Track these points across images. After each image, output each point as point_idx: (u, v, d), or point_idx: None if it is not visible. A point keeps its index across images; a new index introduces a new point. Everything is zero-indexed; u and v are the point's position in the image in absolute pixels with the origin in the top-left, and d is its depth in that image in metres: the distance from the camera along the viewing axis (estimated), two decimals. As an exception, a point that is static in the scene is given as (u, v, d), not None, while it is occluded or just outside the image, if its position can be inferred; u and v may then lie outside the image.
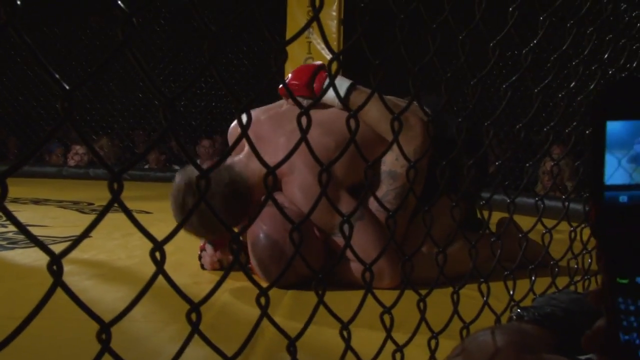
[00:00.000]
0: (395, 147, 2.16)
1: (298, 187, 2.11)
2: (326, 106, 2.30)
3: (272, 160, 2.17)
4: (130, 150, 6.85)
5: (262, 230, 2.03)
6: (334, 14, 5.54)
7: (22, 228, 0.61)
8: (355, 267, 2.06)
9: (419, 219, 2.19)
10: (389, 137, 2.22)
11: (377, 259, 1.14)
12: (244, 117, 0.85)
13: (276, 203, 0.92)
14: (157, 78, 6.95)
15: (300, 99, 2.38)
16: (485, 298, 1.39)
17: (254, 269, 2.07)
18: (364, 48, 1.01)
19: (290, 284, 2.01)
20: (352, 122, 1.01)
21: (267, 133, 2.24)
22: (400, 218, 2.18)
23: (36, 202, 4.22)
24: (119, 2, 0.67)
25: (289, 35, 5.63)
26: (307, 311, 1.01)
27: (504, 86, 1.40)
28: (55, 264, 0.64)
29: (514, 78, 1.43)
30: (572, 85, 1.58)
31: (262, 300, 0.90)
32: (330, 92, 2.32)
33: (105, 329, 0.68)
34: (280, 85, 2.32)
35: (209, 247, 2.29)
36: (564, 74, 1.65)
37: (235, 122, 2.49)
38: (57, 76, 0.62)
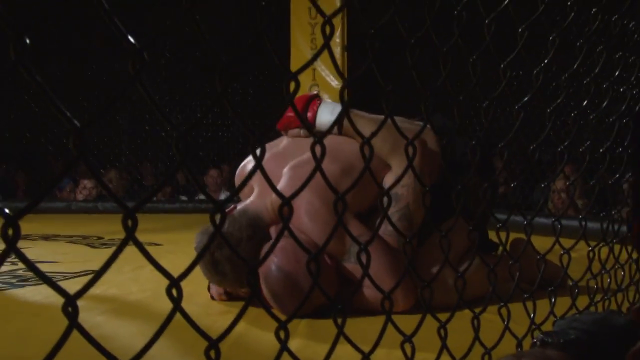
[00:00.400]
0: (395, 168, 2.18)
1: (305, 213, 2.09)
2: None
3: (282, 191, 2.15)
4: (139, 183, 6.86)
5: (273, 262, 2.00)
6: (338, 40, 5.55)
7: (35, 270, 0.60)
8: (368, 293, 2.04)
9: (430, 242, 2.17)
10: (389, 160, 2.22)
11: (395, 287, 1.12)
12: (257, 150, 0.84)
13: (293, 234, 0.90)
14: (166, 109, 6.97)
15: (296, 131, 2.41)
16: (506, 322, 1.37)
17: (266, 299, 2.05)
18: (375, 75, 0.99)
19: (305, 314, 1.98)
20: (366, 149, 0.99)
21: (270, 171, 2.24)
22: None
23: (46, 238, 4.21)
24: (129, 36, 0.66)
25: (293, 60, 5.69)
26: (323, 339, 0.99)
27: (516, 107, 1.39)
28: (70, 305, 0.62)
29: (525, 99, 1.42)
30: (584, 104, 1.57)
31: (282, 333, 0.88)
32: (326, 119, 2.32)
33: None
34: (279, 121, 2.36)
35: None
36: (570, 92, 1.64)
37: (242, 164, 2.52)
38: (68, 114, 0.60)
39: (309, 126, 2.24)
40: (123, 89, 0.68)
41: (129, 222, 0.65)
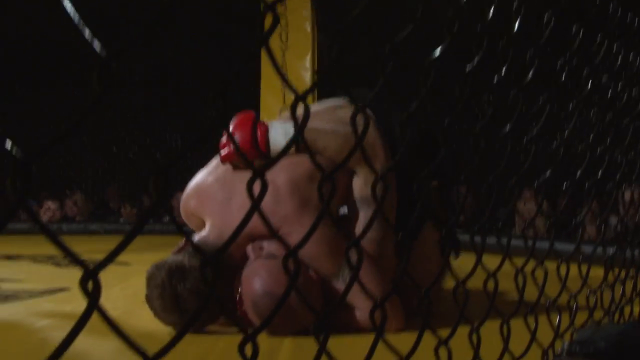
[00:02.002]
0: (361, 172, 2.13)
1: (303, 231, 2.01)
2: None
3: (254, 220, 1.96)
4: (105, 205, 6.73)
5: (260, 285, 1.93)
6: (308, 65, 5.55)
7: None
8: (360, 314, 2.00)
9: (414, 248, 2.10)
10: (353, 166, 2.11)
11: (386, 298, 1.07)
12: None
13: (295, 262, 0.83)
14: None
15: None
16: (532, 332, 1.31)
17: (253, 323, 1.97)
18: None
19: (291, 333, 1.94)
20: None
21: (221, 200, 2.14)
22: (390, 243, 2.11)
23: (9, 257, 4.08)
24: (94, 44, 0.55)
25: (264, 89, 5.65)
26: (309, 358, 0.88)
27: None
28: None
29: (487, 119, 1.36)
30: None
31: (248, 350, 0.73)
32: (280, 143, 2.14)
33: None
34: (224, 153, 2.18)
35: None
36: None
37: (186, 194, 2.33)
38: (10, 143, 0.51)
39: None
40: (88, 109, 0.56)
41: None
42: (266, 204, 0.81)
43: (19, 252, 4.31)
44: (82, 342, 1.98)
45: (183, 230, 0.71)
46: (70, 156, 6.88)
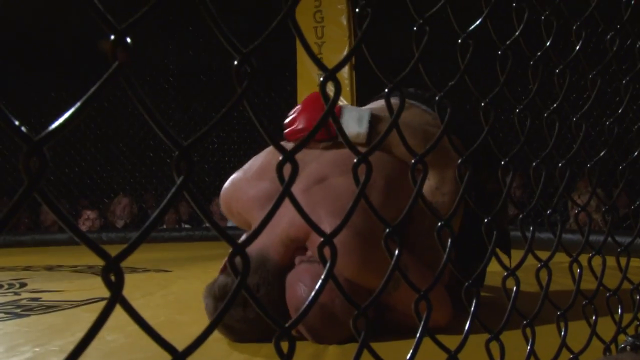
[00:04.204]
0: (433, 174, 1.94)
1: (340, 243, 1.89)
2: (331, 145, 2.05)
3: (293, 220, 1.81)
4: (144, 212, 6.74)
5: (305, 293, 1.81)
6: (345, 58, 5.46)
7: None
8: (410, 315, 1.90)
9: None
10: (429, 168, 1.98)
11: (429, 288, 1.00)
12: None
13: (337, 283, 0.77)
14: (168, 126, 6.79)
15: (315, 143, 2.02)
16: (592, 326, 1.23)
17: (300, 332, 1.86)
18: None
19: (340, 341, 1.85)
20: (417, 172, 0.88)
21: (273, 194, 1.96)
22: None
23: (49, 268, 4.10)
24: (108, 16, 0.52)
25: (300, 78, 5.58)
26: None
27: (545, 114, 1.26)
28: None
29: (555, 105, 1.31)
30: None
31: (284, 344, 0.69)
32: (354, 131, 1.96)
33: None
34: (287, 130, 2.05)
35: None
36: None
37: (226, 187, 2.18)
38: (17, 123, 0.47)
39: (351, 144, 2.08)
40: (99, 85, 0.53)
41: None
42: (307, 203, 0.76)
43: (59, 262, 4.34)
44: (120, 353, 1.93)
45: (221, 229, 0.64)
46: (108, 164, 6.92)
